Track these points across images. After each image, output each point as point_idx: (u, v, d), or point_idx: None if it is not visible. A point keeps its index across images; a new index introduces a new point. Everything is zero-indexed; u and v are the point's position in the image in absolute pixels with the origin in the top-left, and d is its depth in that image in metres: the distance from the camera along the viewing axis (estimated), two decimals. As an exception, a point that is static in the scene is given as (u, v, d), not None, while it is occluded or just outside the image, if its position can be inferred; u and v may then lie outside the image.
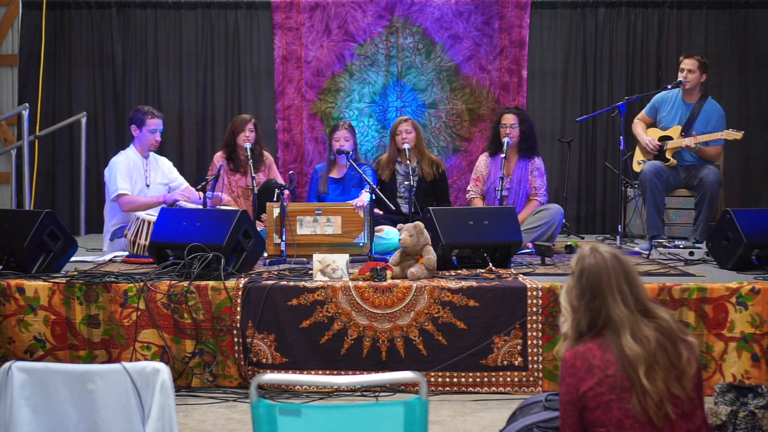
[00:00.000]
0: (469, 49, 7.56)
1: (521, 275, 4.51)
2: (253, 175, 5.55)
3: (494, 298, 4.24)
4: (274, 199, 5.19)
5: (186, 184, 5.88)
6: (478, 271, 4.64)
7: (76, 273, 4.53)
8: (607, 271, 2.33)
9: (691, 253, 5.13)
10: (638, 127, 6.25)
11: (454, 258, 4.75)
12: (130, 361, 3.80)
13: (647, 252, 5.41)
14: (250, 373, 4.24)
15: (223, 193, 5.71)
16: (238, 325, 4.25)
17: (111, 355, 4.31)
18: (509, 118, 5.88)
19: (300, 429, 2.16)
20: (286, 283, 4.31)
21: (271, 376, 2.43)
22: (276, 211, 5.06)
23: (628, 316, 2.30)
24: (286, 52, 7.60)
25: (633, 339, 2.27)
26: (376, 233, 5.26)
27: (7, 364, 2.48)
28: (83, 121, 7.33)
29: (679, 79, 5.93)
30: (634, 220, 6.73)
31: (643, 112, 6.31)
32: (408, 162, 5.79)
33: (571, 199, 7.53)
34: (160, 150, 5.98)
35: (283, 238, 4.98)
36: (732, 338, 4.21)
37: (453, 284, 4.27)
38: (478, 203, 5.93)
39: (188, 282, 4.26)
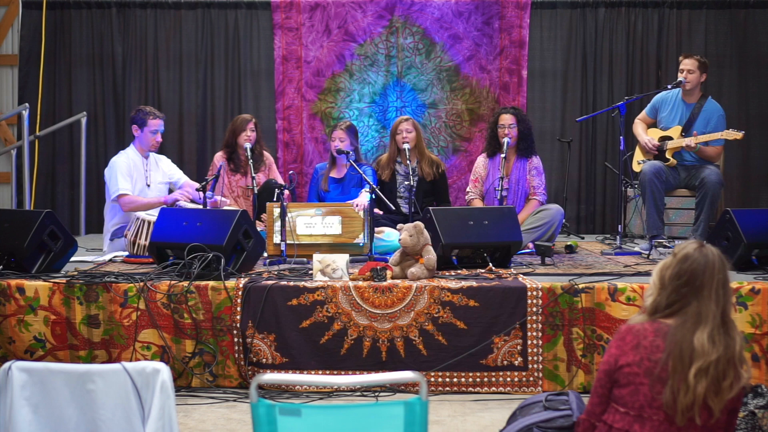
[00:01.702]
0: (469, 49, 7.56)
1: (521, 275, 4.51)
2: (253, 175, 5.55)
3: (494, 298, 4.23)
4: (274, 199, 5.19)
5: (186, 178, 5.89)
6: (478, 271, 4.64)
7: (76, 273, 4.52)
8: (712, 268, 2.37)
9: (692, 253, 5.12)
10: (638, 127, 6.25)
11: (454, 258, 4.75)
12: (130, 361, 3.77)
13: (647, 252, 5.41)
14: (250, 373, 4.24)
15: (221, 196, 5.69)
16: (238, 325, 4.25)
17: (111, 355, 4.31)
18: (507, 119, 5.87)
19: (300, 429, 2.16)
20: (286, 283, 4.31)
21: (271, 376, 2.43)
22: (276, 211, 5.06)
23: (714, 315, 2.35)
24: (286, 52, 7.60)
25: (708, 336, 2.32)
26: (376, 234, 5.26)
27: (7, 364, 2.48)
28: (83, 121, 7.33)
29: (678, 79, 5.93)
30: (634, 220, 6.73)
31: (643, 113, 6.31)
32: (408, 162, 5.79)
33: (571, 199, 7.53)
34: (161, 150, 5.98)
35: (283, 238, 4.99)
36: (732, 338, 4.20)
37: (453, 284, 4.27)
38: (478, 204, 5.92)
39: (188, 282, 4.26)
